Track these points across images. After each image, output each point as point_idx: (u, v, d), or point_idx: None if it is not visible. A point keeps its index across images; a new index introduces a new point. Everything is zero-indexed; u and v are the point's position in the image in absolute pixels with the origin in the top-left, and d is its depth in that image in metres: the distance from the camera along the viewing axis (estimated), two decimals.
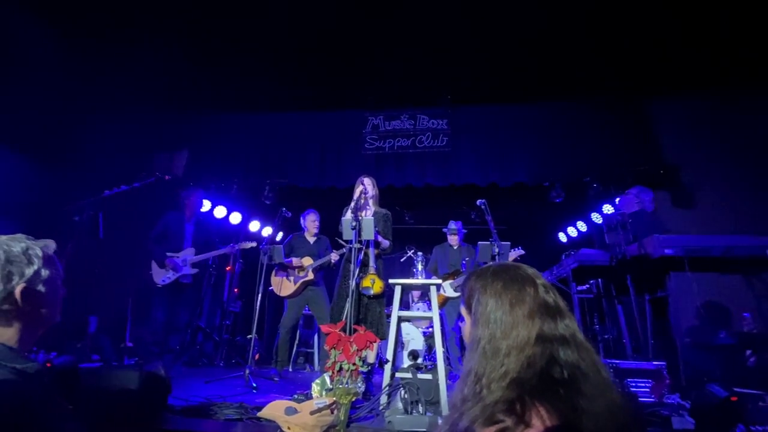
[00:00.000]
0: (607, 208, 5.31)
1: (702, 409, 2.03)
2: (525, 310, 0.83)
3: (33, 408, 0.81)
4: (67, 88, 4.56)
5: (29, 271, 0.95)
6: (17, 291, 0.92)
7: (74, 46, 4.19)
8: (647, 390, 2.42)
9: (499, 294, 0.86)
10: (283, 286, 4.06)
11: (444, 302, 4.35)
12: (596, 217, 5.68)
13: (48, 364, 1.84)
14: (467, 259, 4.40)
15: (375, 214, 3.32)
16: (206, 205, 5.33)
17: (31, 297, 0.95)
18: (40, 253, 0.98)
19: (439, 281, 3.23)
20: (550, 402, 0.70)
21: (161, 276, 4.01)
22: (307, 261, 4.06)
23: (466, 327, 0.95)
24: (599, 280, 4.32)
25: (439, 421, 1.99)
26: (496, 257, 2.93)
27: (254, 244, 4.15)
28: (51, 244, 1.04)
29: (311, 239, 4.26)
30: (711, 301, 2.94)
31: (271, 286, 4.19)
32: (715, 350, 2.78)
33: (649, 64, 4.38)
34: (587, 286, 4.57)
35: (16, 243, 0.96)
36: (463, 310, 0.97)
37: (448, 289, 4.27)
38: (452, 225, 4.72)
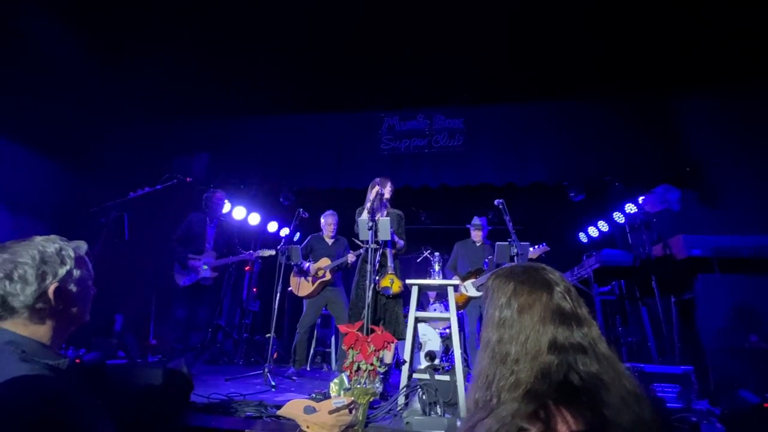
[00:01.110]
0: (630, 208, 5.17)
1: (733, 416, 1.96)
2: (535, 315, 0.80)
3: (66, 402, 0.84)
4: (92, 96, 4.74)
5: (62, 271, 0.98)
6: (50, 290, 0.95)
7: (99, 56, 4.35)
8: (674, 395, 2.34)
9: (510, 297, 0.85)
10: (302, 286, 4.10)
11: (466, 302, 4.28)
12: (618, 217, 5.53)
13: (77, 360, 1.91)
14: (490, 257, 4.30)
15: (389, 214, 3.32)
16: (227, 206, 5.44)
17: (63, 296, 0.98)
18: (72, 254, 1.02)
19: (457, 282, 3.20)
20: (575, 408, 0.68)
21: (183, 278, 4.11)
22: (324, 262, 4.09)
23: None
24: (622, 281, 4.21)
25: (458, 423, 1.98)
26: (516, 258, 2.89)
27: (273, 253, 4.17)
28: (83, 245, 1.08)
29: (329, 240, 4.29)
30: (741, 304, 2.82)
31: (289, 286, 4.24)
32: (746, 354, 2.67)
33: (674, 59, 4.23)
34: (609, 287, 4.45)
35: (51, 244, 1.00)
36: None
37: (470, 289, 4.20)
38: (476, 220, 4.56)
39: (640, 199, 4.74)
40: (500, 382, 0.76)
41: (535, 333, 0.78)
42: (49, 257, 0.97)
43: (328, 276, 4.05)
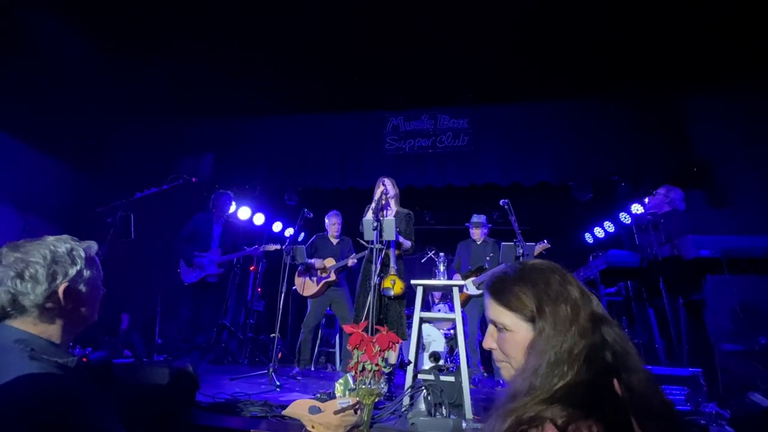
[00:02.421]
0: (636, 208, 5.13)
1: (743, 419, 1.94)
2: (577, 291, 0.80)
3: (74, 400, 0.84)
4: (100, 97, 4.78)
5: (72, 271, 0.99)
6: (60, 290, 0.96)
7: (106, 57, 4.38)
8: (683, 398, 2.31)
9: (558, 285, 0.81)
10: (306, 286, 4.11)
11: (466, 301, 4.26)
12: (624, 217, 5.49)
13: (84, 359, 1.92)
14: (491, 255, 4.26)
15: (397, 214, 3.31)
16: (232, 207, 5.46)
17: (73, 296, 0.99)
18: (83, 254, 1.02)
19: (462, 283, 3.18)
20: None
21: (189, 274, 4.13)
22: (330, 262, 4.10)
23: (516, 336, 0.83)
24: (629, 282, 4.17)
25: (464, 425, 1.96)
26: (521, 258, 2.87)
27: (278, 247, 4.20)
28: (94, 246, 1.08)
29: (334, 240, 4.30)
30: (751, 305, 2.79)
31: (294, 285, 4.25)
32: (755, 356, 2.64)
33: (683, 58, 4.18)
34: (616, 288, 4.42)
35: (62, 244, 1.00)
36: (513, 318, 0.84)
37: (471, 287, 4.17)
38: (476, 218, 4.50)
39: (646, 201, 4.70)
40: (569, 351, 0.74)
41: (584, 307, 0.78)
42: (60, 257, 0.98)
43: (333, 276, 4.05)
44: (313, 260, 4.08)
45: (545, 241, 3.93)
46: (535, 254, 3.92)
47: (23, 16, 3.80)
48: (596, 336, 0.75)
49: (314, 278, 4.09)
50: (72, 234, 1.07)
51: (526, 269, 0.88)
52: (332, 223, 4.32)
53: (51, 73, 4.24)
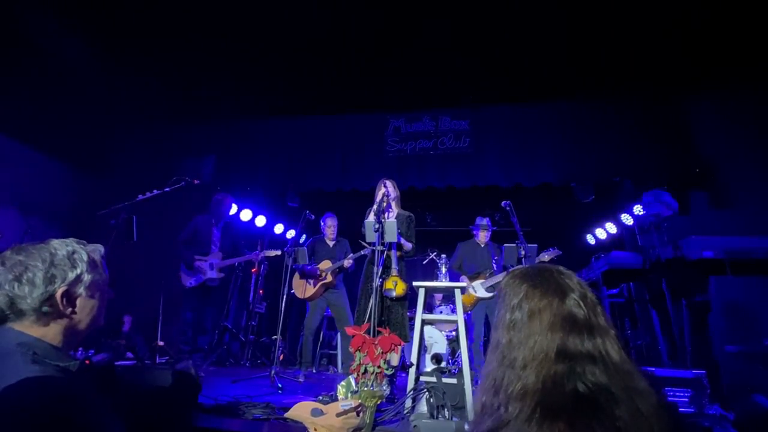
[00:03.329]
0: (638, 209, 5.11)
1: (747, 421, 1.92)
2: (544, 320, 0.78)
3: (76, 403, 0.84)
4: (102, 100, 4.80)
5: (71, 275, 0.98)
6: (58, 293, 0.95)
7: (108, 60, 4.40)
8: (686, 400, 2.30)
9: (521, 299, 0.83)
10: (305, 288, 4.11)
11: (474, 303, 4.25)
12: (626, 219, 5.47)
13: (87, 362, 1.92)
14: (497, 257, 4.25)
15: (398, 216, 3.31)
16: (233, 209, 5.47)
17: (72, 300, 0.98)
18: (85, 258, 1.02)
19: (464, 284, 3.17)
20: (587, 424, 0.65)
21: (189, 279, 4.13)
22: (325, 264, 4.10)
23: None
24: (631, 283, 4.16)
25: (466, 427, 1.96)
26: (523, 260, 2.86)
27: (279, 252, 4.20)
28: (99, 249, 1.08)
29: (330, 243, 4.30)
30: (754, 306, 2.77)
31: (292, 289, 4.25)
32: (759, 358, 2.62)
33: (685, 59, 4.17)
34: (618, 289, 4.41)
35: (63, 246, 1.00)
36: None
37: (479, 289, 4.16)
38: (483, 221, 4.51)
39: (642, 212, 4.66)
40: (508, 388, 0.74)
41: (543, 339, 0.76)
42: (59, 260, 0.97)
43: (330, 278, 4.05)
44: (314, 267, 4.08)
45: (554, 248, 3.89)
46: (546, 262, 3.89)
47: (25, 19, 3.82)
48: (558, 368, 0.72)
49: (311, 280, 4.09)
50: (75, 236, 1.07)
51: (521, 269, 0.91)
52: (328, 226, 4.32)
53: (53, 77, 4.26)
